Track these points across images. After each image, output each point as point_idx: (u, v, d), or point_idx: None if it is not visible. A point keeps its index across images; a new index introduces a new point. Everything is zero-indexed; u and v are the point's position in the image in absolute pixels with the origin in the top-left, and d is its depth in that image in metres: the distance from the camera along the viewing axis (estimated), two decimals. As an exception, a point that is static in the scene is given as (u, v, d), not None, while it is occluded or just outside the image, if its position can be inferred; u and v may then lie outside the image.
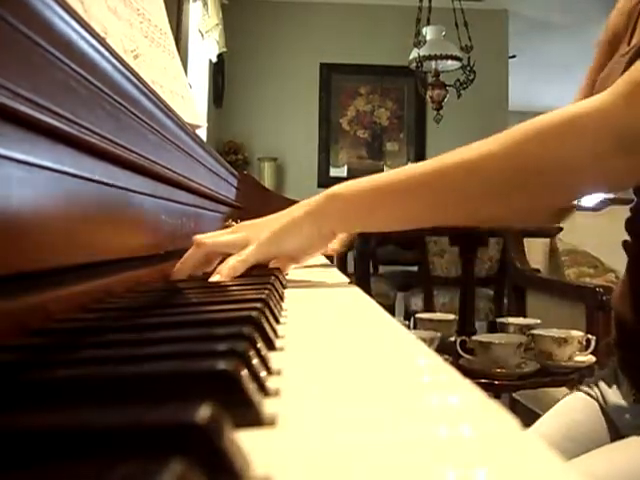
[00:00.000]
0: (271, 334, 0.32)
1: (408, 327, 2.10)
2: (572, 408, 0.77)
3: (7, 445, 0.15)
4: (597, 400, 0.75)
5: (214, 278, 0.58)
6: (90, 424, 0.16)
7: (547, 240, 2.70)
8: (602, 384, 0.75)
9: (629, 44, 0.70)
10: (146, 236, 0.56)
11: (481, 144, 0.56)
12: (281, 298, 0.51)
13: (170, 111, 0.63)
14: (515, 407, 1.84)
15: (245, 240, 0.62)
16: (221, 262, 0.61)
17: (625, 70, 0.62)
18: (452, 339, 1.66)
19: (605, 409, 0.73)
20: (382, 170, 4.39)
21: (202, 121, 1.06)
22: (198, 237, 0.63)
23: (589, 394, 0.77)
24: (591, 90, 0.77)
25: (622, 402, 0.70)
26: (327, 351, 0.32)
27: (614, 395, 0.72)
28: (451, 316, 1.78)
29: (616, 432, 0.70)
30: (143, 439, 0.15)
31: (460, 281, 2.07)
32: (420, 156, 4.33)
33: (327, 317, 0.45)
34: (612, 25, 0.77)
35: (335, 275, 0.74)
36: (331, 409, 0.21)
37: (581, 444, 0.70)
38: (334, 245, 0.73)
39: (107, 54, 0.44)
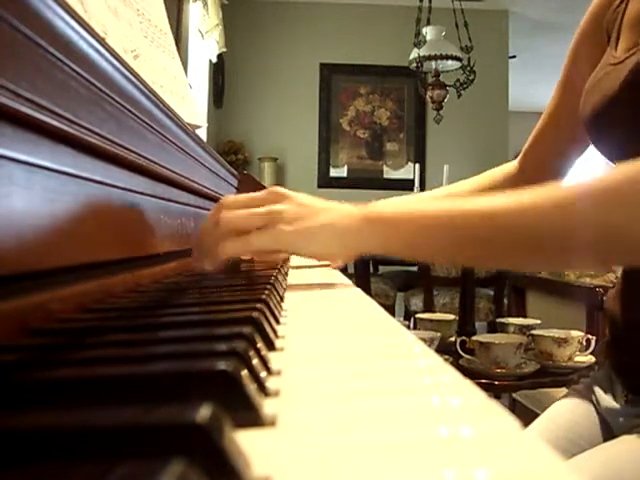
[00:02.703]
0: (271, 334, 0.32)
1: (408, 327, 2.10)
2: (567, 409, 0.77)
3: (7, 445, 0.15)
4: (591, 401, 0.76)
5: (207, 261, 0.57)
6: (90, 424, 0.16)
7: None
8: (596, 387, 0.75)
9: (616, 49, 0.70)
10: (146, 236, 0.56)
11: (550, 195, 0.50)
12: (281, 298, 0.51)
13: (170, 111, 0.63)
14: (515, 407, 1.84)
15: (269, 219, 0.56)
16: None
17: (627, 80, 0.61)
18: (452, 339, 1.66)
19: (599, 410, 0.73)
20: (382, 170, 4.39)
21: (202, 121, 1.06)
22: (223, 201, 0.60)
23: (584, 394, 0.77)
24: (574, 89, 0.77)
25: (615, 404, 0.70)
26: (327, 351, 0.32)
27: (608, 397, 0.72)
28: (451, 316, 1.79)
29: (610, 432, 0.70)
30: (143, 439, 0.15)
31: (460, 281, 2.07)
32: (420, 156, 4.33)
33: (327, 317, 0.45)
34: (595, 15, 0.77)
35: (336, 276, 0.74)
36: (331, 409, 0.21)
37: (576, 444, 0.70)
38: (338, 262, 0.72)
39: (107, 54, 0.44)
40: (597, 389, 0.75)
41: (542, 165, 0.87)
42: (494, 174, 0.91)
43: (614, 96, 0.64)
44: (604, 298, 1.67)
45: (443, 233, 0.52)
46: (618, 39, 0.70)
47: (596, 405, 0.74)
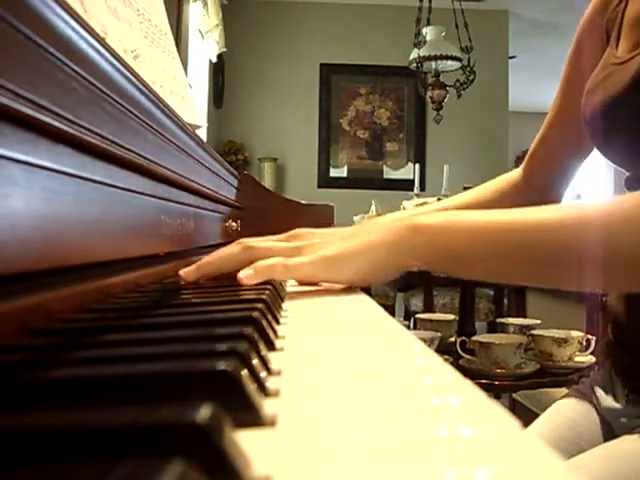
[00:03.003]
0: (271, 334, 0.32)
1: (408, 327, 2.10)
2: (567, 409, 0.77)
3: (7, 445, 0.15)
4: (591, 401, 0.75)
5: (245, 273, 0.52)
6: (90, 424, 0.16)
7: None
8: (597, 387, 0.75)
9: (617, 48, 0.69)
10: (146, 236, 0.56)
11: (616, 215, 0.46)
12: (282, 299, 0.51)
13: (170, 111, 0.63)
14: (515, 407, 1.84)
15: (297, 251, 0.55)
16: None
17: (634, 79, 0.61)
18: (452, 339, 1.66)
19: (601, 411, 0.73)
20: (382, 170, 4.39)
21: (202, 121, 1.06)
22: (245, 240, 0.57)
23: (584, 394, 0.77)
24: (577, 89, 0.75)
25: (616, 405, 0.70)
26: (327, 351, 0.32)
27: (608, 398, 0.72)
28: (451, 316, 1.79)
29: (610, 432, 0.70)
30: (143, 439, 0.15)
31: (460, 281, 2.07)
32: (420, 156, 4.33)
33: (327, 317, 0.45)
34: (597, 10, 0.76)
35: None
36: (331, 409, 0.21)
37: (576, 444, 0.70)
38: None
39: (107, 54, 0.44)
40: (598, 389, 0.75)
41: (547, 171, 0.85)
42: (500, 184, 0.89)
43: (619, 96, 0.63)
44: (604, 299, 1.67)
45: (498, 248, 0.49)
46: (619, 38, 0.70)
47: (597, 405, 0.74)
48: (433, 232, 0.50)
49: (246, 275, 0.52)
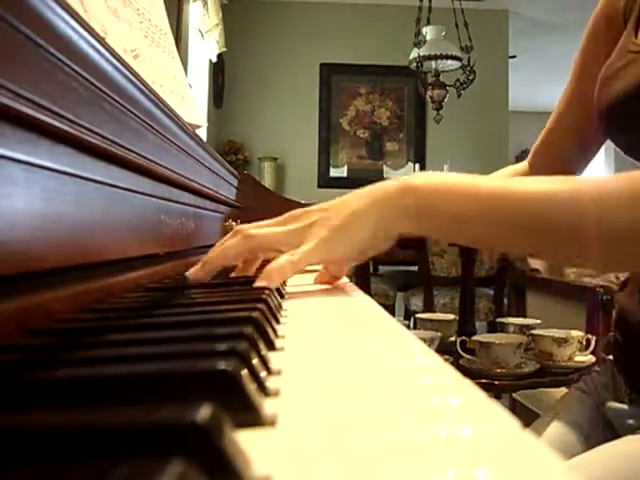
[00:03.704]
0: (271, 334, 0.32)
1: (408, 327, 2.10)
2: (568, 408, 0.76)
3: (7, 445, 0.15)
4: (593, 400, 0.75)
5: (261, 282, 0.50)
6: (90, 424, 0.16)
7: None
8: (600, 386, 0.75)
9: (636, 35, 0.67)
10: (146, 236, 0.56)
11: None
12: (282, 298, 0.51)
13: (170, 111, 0.63)
14: (515, 407, 1.84)
15: (300, 236, 0.53)
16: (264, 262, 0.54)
17: None
18: (452, 339, 1.66)
19: (603, 411, 0.73)
20: (382, 170, 4.39)
21: (202, 121, 1.06)
22: (243, 227, 0.56)
23: (585, 393, 0.77)
24: (591, 76, 0.72)
25: (622, 406, 0.69)
26: (327, 351, 0.32)
27: (613, 399, 0.71)
28: (451, 316, 1.78)
29: (613, 432, 0.70)
30: (143, 439, 0.15)
31: (460, 281, 2.07)
32: (420, 156, 4.33)
33: (327, 317, 0.45)
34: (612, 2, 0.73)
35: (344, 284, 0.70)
36: (331, 409, 0.21)
37: (577, 444, 0.70)
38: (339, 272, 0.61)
39: (107, 54, 0.44)
40: (601, 389, 0.74)
41: (555, 163, 0.82)
42: (506, 174, 0.87)
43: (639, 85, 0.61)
44: (605, 298, 1.67)
45: (508, 214, 0.47)
46: (638, 24, 0.67)
47: (599, 405, 0.74)
48: (424, 192, 0.48)
49: (261, 283, 0.50)
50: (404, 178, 0.50)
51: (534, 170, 0.86)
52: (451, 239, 0.54)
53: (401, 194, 0.49)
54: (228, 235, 0.57)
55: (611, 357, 0.76)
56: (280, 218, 0.57)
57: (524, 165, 0.88)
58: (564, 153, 0.82)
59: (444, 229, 0.50)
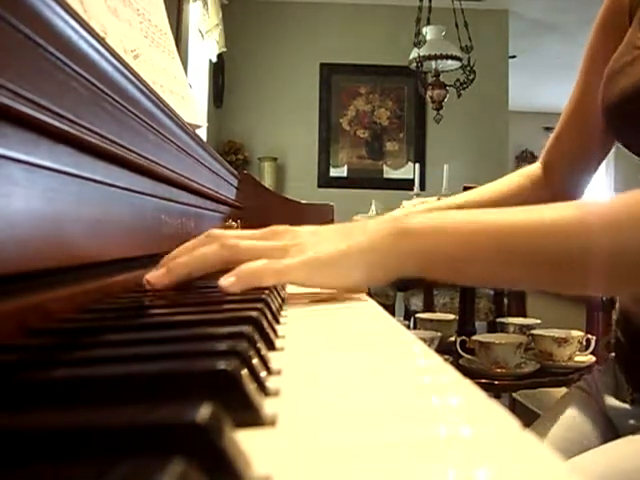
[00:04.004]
0: (271, 334, 0.32)
1: (408, 327, 2.10)
2: (570, 407, 0.76)
3: (7, 445, 0.15)
4: (595, 399, 0.75)
5: (228, 279, 0.45)
6: (90, 424, 0.16)
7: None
8: (601, 386, 0.75)
9: None
10: (146, 236, 0.56)
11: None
12: (282, 299, 0.51)
13: (170, 111, 0.63)
14: (515, 407, 1.84)
15: (284, 252, 0.49)
16: None
17: None
18: (452, 339, 1.66)
19: (604, 411, 0.73)
20: (382, 170, 4.39)
21: (202, 121, 1.06)
22: (216, 232, 0.50)
23: (587, 393, 0.77)
24: (597, 76, 0.70)
25: (624, 405, 0.69)
26: (327, 351, 0.32)
27: (614, 399, 0.71)
28: (451, 316, 1.78)
29: (614, 432, 0.70)
30: (143, 439, 0.15)
31: (460, 281, 2.06)
32: (420, 156, 4.33)
33: (327, 317, 0.45)
34: None
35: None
36: (331, 409, 0.21)
37: (578, 444, 0.70)
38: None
39: (107, 54, 0.44)
40: (602, 388, 0.74)
41: (568, 164, 0.81)
42: (518, 178, 0.85)
43: None
44: (604, 298, 1.67)
45: (492, 248, 0.45)
46: None
47: (601, 404, 0.74)
48: (419, 235, 0.46)
49: (228, 283, 0.45)
50: (398, 218, 0.48)
51: (547, 170, 0.84)
52: (455, 281, 0.50)
53: (398, 239, 0.46)
54: (198, 239, 0.50)
55: (613, 355, 0.76)
56: (260, 232, 0.53)
57: (537, 166, 0.86)
58: (576, 151, 0.80)
59: (446, 272, 0.48)
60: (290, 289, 0.60)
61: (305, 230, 0.52)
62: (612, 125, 0.69)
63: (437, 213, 0.48)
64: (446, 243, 0.46)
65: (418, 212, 0.56)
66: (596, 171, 0.81)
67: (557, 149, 0.83)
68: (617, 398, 0.71)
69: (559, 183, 0.82)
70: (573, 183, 0.82)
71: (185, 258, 0.49)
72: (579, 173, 0.81)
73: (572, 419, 0.74)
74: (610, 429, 0.71)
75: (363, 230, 0.49)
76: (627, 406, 0.69)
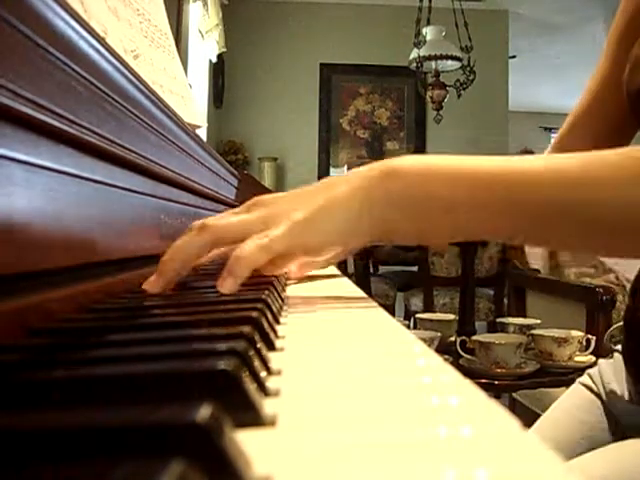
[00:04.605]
0: (271, 334, 0.32)
1: (408, 327, 2.10)
2: (572, 406, 0.75)
3: (7, 445, 0.15)
4: (598, 397, 0.74)
5: (225, 281, 0.43)
6: (90, 424, 0.16)
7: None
8: (607, 383, 0.74)
9: None
10: (146, 236, 0.56)
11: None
12: (282, 299, 0.51)
13: (170, 111, 0.63)
14: (515, 407, 1.84)
15: (269, 222, 0.45)
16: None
17: None
18: (452, 339, 1.66)
19: (611, 409, 0.72)
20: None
21: (202, 121, 1.06)
22: (198, 222, 0.47)
23: (591, 389, 0.76)
24: (618, 63, 0.67)
25: (631, 405, 0.68)
26: (327, 351, 0.32)
27: (622, 399, 0.70)
28: (451, 316, 1.79)
29: (620, 432, 0.69)
30: (143, 439, 0.15)
31: (460, 281, 2.07)
32: (420, 156, 4.33)
33: (326, 317, 0.45)
34: None
35: (345, 286, 0.66)
36: (331, 409, 0.21)
37: (582, 443, 0.69)
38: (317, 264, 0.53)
39: (107, 54, 0.44)
40: (607, 385, 0.73)
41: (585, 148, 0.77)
42: None
43: None
44: (605, 298, 1.67)
45: (503, 194, 0.40)
46: None
47: (606, 403, 0.73)
48: (409, 177, 0.42)
49: (226, 284, 0.43)
50: (388, 161, 0.44)
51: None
52: (450, 234, 0.45)
53: (385, 178, 0.43)
54: (183, 234, 0.48)
55: (618, 348, 0.75)
56: (241, 207, 0.49)
57: (547, 153, 0.81)
58: (598, 137, 0.74)
59: (439, 221, 0.43)
60: (290, 290, 0.60)
61: (286, 194, 0.48)
62: (636, 117, 0.66)
63: (425, 156, 0.44)
64: (442, 186, 0.42)
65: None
66: None
67: (572, 137, 0.77)
68: (624, 398, 0.70)
69: None
70: None
71: (169, 255, 0.46)
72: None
73: (575, 418, 0.73)
74: (616, 429, 0.70)
75: (347, 179, 0.45)
76: (635, 406, 0.68)
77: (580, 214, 0.39)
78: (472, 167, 0.42)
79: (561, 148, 0.79)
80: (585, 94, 0.76)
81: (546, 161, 0.41)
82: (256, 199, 0.49)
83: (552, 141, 0.83)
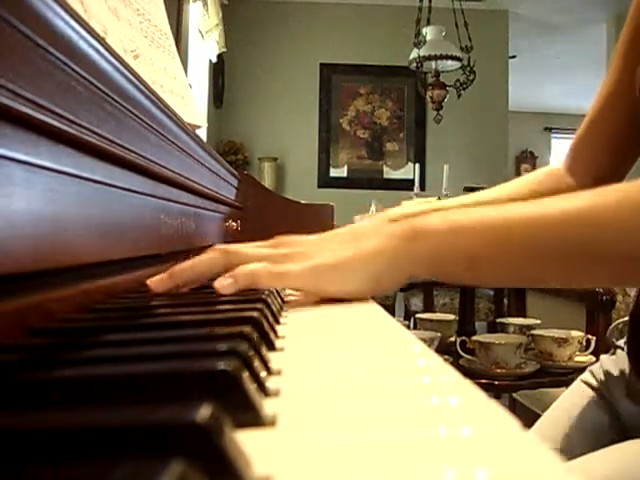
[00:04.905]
0: (271, 334, 0.32)
1: (408, 327, 2.10)
2: (575, 406, 0.75)
3: (7, 445, 0.15)
4: (601, 397, 0.74)
5: (224, 279, 0.45)
6: (90, 424, 0.16)
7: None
8: (610, 380, 0.73)
9: None
10: (146, 236, 0.56)
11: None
12: (282, 299, 0.51)
13: (170, 111, 0.63)
14: (515, 407, 1.84)
15: (286, 258, 0.47)
16: None
17: None
18: (452, 339, 1.66)
19: (613, 408, 0.72)
20: (382, 170, 4.39)
21: (202, 121, 1.06)
22: (222, 246, 0.50)
23: (593, 388, 0.75)
24: (627, 69, 0.66)
25: (636, 406, 0.68)
26: (327, 351, 0.32)
27: (625, 395, 0.70)
28: (451, 316, 1.79)
29: (624, 431, 0.69)
30: (143, 439, 0.15)
31: (460, 281, 2.06)
32: (420, 156, 4.33)
33: (326, 317, 0.45)
34: None
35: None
36: (331, 409, 0.21)
37: (585, 444, 0.69)
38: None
39: (107, 54, 0.44)
40: (610, 382, 0.72)
41: (595, 163, 0.74)
42: (537, 176, 0.79)
43: None
44: (605, 298, 1.67)
45: (516, 243, 0.41)
46: None
47: (609, 402, 0.72)
48: (432, 235, 0.43)
49: (224, 283, 0.45)
50: (415, 220, 0.45)
51: (571, 171, 0.78)
52: (471, 282, 0.48)
53: (411, 238, 0.44)
54: (205, 252, 0.50)
55: (620, 344, 0.74)
56: (269, 241, 0.51)
57: (557, 168, 0.80)
58: (609, 142, 0.73)
59: (462, 273, 0.45)
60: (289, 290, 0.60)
61: (310, 238, 0.50)
62: None
63: (454, 211, 0.45)
64: (464, 241, 0.43)
65: (422, 211, 0.53)
66: (631, 167, 0.74)
67: (583, 147, 0.76)
68: (628, 394, 0.70)
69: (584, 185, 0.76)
70: (612, 170, 0.73)
71: (187, 264, 0.49)
72: (609, 173, 0.73)
73: (578, 417, 0.73)
74: (619, 428, 0.70)
75: (372, 234, 0.46)
76: (637, 405, 0.68)
77: (595, 250, 0.40)
78: (495, 219, 0.43)
79: (577, 151, 0.78)
80: (597, 98, 0.75)
81: (560, 202, 0.41)
82: (284, 238, 0.51)
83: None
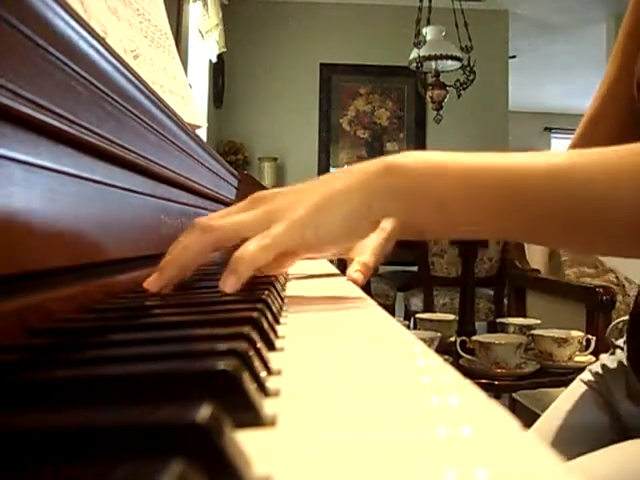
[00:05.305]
0: (271, 334, 0.32)
1: (408, 327, 2.10)
2: (575, 405, 0.75)
3: (7, 445, 0.15)
4: (601, 396, 0.74)
5: (227, 280, 0.44)
6: (90, 424, 0.16)
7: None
8: (610, 380, 0.73)
9: None
10: (146, 236, 0.56)
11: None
12: (282, 299, 0.51)
13: (170, 111, 0.63)
14: (515, 407, 1.84)
15: (270, 219, 0.45)
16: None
17: None
18: (452, 339, 1.66)
19: (614, 409, 0.72)
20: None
21: (202, 121, 1.06)
22: (201, 219, 0.47)
23: (593, 388, 0.75)
24: (629, 58, 0.66)
25: (636, 407, 0.68)
26: (327, 351, 0.32)
27: (625, 395, 0.70)
28: (451, 316, 1.79)
29: (624, 432, 0.69)
30: (143, 439, 0.15)
31: (460, 281, 2.07)
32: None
33: (326, 317, 0.45)
34: None
35: (345, 285, 0.68)
36: (331, 409, 0.21)
37: (583, 443, 0.69)
38: (362, 264, 0.48)
39: (107, 54, 0.44)
40: (610, 381, 0.72)
41: (617, 130, 0.72)
42: None
43: None
44: (605, 298, 1.67)
45: (495, 193, 0.40)
46: None
47: (609, 401, 0.72)
48: (407, 172, 0.42)
49: (229, 283, 0.43)
50: (390, 157, 0.43)
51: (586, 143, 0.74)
52: (445, 230, 0.46)
53: (387, 173, 0.42)
54: (184, 233, 0.48)
55: (620, 343, 0.74)
56: (242, 203, 0.49)
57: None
58: (611, 133, 0.72)
59: (435, 217, 0.43)
60: (290, 290, 0.60)
61: (287, 190, 0.48)
62: None
63: (428, 152, 0.44)
64: (439, 182, 0.41)
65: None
66: None
67: (588, 137, 0.75)
68: (628, 394, 0.70)
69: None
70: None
71: (174, 255, 0.47)
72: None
73: (578, 417, 0.73)
74: (620, 429, 0.70)
75: (347, 173, 0.45)
76: (637, 405, 0.68)
77: (567, 212, 0.39)
78: (470, 165, 0.42)
79: (580, 145, 0.76)
80: (596, 95, 0.75)
81: (543, 157, 0.41)
82: (258, 194, 0.49)
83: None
